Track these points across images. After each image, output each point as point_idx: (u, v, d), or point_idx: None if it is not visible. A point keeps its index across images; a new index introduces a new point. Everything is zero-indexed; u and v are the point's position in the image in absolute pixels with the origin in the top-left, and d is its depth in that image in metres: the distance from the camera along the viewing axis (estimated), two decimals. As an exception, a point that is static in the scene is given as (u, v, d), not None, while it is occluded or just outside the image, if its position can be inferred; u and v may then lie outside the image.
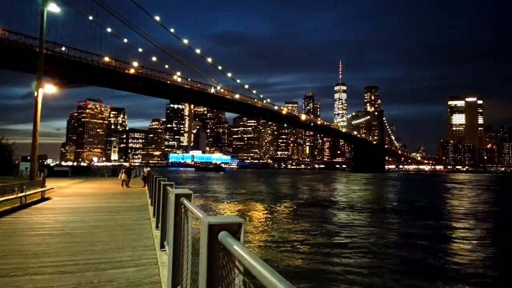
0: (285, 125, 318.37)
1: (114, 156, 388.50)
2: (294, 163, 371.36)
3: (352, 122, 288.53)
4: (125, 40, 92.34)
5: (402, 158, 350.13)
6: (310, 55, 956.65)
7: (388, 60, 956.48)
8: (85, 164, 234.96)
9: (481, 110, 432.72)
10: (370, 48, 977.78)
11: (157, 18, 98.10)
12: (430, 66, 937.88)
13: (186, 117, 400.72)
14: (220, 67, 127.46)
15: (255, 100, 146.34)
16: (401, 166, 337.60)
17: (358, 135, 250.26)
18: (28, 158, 33.76)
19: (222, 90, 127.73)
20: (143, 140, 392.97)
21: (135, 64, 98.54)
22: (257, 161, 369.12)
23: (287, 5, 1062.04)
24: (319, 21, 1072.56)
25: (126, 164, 56.29)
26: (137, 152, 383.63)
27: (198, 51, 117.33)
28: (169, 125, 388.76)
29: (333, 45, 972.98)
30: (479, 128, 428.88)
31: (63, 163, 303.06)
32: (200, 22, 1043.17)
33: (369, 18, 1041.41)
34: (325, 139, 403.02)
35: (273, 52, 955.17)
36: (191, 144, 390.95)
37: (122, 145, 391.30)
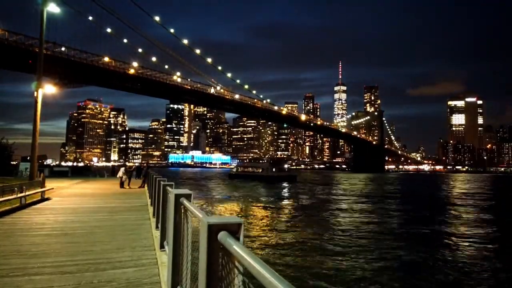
0: (285, 125, 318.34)
1: (114, 156, 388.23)
2: (294, 164, 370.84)
3: (352, 122, 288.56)
4: (125, 40, 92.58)
5: (402, 158, 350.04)
6: (346, 50, 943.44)
7: (388, 59, 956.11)
8: (82, 164, 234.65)
9: (481, 110, 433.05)
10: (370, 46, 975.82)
11: (157, 18, 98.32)
12: (429, 65, 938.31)
13: (186, 117, 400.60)
14: (220, 67, 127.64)
15: (255, 100, 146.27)
16: (401, 166, 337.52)
17: (358, 135, 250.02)
18: (28, 158, 33.72)
19: (222, 90, 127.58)
20: (143, 140, 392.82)
21: (135, 64, 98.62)
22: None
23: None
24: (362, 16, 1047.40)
25: (129, 164, 57.00)
26: (137, 153, 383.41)
27: (198, 51, 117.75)
28: (169, 125, 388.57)
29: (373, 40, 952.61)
30: (479, 128, 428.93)
31: (63, 163, 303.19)
32: (244, 12, 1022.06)
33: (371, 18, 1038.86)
34: (325, 139, 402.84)
35: (313, 46, 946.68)
36: (191, 144, 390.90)
37: (122, 146, 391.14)
